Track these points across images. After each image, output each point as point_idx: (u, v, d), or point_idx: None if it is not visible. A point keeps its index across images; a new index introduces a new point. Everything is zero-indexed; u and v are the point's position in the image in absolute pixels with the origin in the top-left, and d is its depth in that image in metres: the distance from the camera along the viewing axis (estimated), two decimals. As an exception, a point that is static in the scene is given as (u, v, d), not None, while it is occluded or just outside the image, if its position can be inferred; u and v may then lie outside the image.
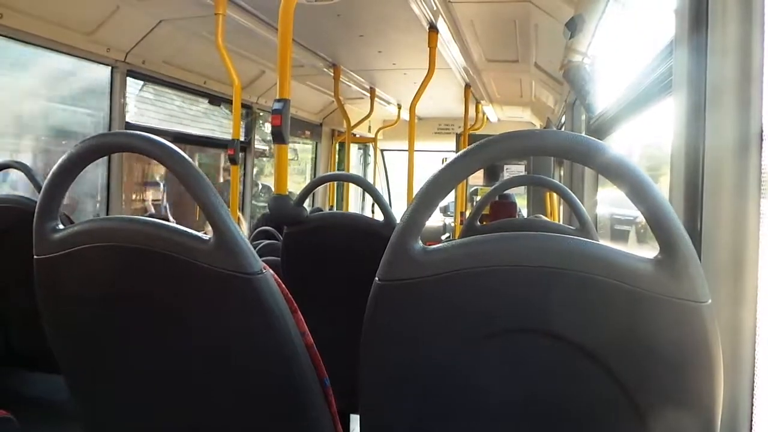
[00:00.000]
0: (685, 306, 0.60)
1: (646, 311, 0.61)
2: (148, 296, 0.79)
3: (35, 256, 0.83)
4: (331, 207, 6.00)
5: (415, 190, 3.45)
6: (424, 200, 0.67)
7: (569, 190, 1.95)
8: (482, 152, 0.66)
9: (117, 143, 0.84)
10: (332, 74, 4.32)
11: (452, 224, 5.93)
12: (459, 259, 0.66)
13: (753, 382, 0.90)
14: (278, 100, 1.95)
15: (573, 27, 2.16)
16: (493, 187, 2.19)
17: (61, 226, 0.83)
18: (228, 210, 0.77)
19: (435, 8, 2.83)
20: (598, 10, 2.06)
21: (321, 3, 2.63)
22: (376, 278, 0.68)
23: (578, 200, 1.91)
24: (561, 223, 3.67)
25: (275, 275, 0.79)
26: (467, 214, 4.90)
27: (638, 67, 1.87)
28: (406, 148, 3.73)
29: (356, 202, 7.20)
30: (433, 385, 0.69)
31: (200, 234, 0.78)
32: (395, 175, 7.68)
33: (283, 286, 0.79)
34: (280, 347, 0.77)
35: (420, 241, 0.68)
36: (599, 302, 0.62)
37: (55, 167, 0.81)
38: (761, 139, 0.90)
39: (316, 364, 0.81)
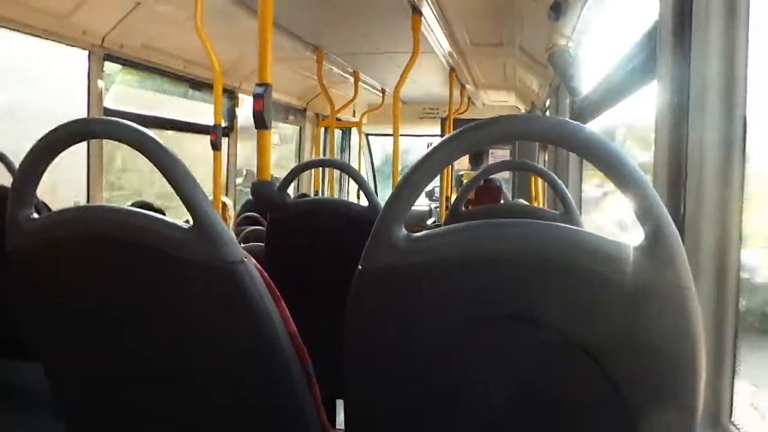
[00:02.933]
0: (669, 292, 0.60)
1: (630, 298, 0.61)
2: (128, 286, 0.78)
3: (8, 246, 0.81)
4: (316, 192, 5.98)
5: (400, 174, 3.45)
6: (408, 187, 0.66)
7: (554, 175, 1.96)
8: (466, 138, 0.65)
9: (92, 130, 0.82)
10: (315, 58, 4.27)
11: (437, 209, 5.94)
12: (442, 246, 0.65)
13: (734, 369, 0.92)
14: (259, 85, 1.93)
15: (557, 10, 2.15)
16: (478, 171, 2.19)
17: (35, 215, 0.81)
18: (208, 198, 0.76)
19: (418, -10, 2.80)
20: (582, -7, 2.05)
21: (302, -15, 2.58)
22: (359, 265, 0.68)
23: (563, 184, 1.91)
24: (546, 207, 3.70)
25: (257, 263, 0.78)
26: (453, 198, 4.91)
27: (622, 50, 1.87)
28: (391, 133, 3.72)
29: (343, 187, 7.18)
30: (417, 372, 0.69)
31: (180, 222, 0.77)
32: (378, 158, 7.67)
33: (266, 274, 0.78)
34: (262, 335, 0.77)
35: (403, 229, 0.67)
36: (584, 289, 0.62)
37: (28, 152, 0.79)
38: (744, 126, 0.91)
39: (299, 351, 0.81)
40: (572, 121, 0.64)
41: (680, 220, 0.95)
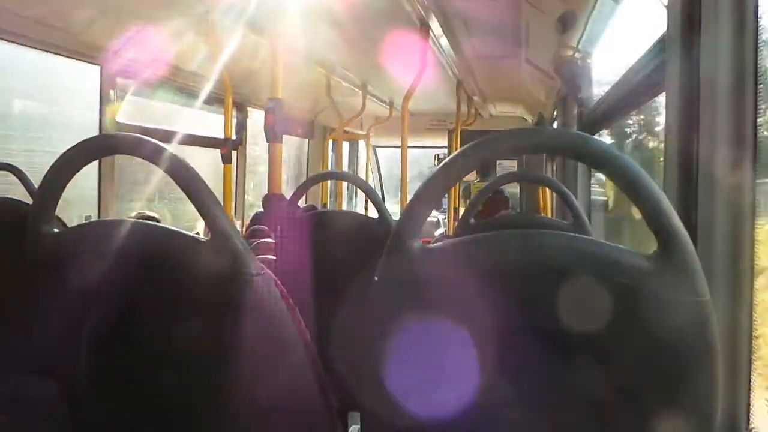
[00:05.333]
0: (685, 302, 0.60)
1: (648, 308, 0.61)
2: (145, 298, 0.79)
3: (29, 259, 0.82)
4: (324, 205, 5.99)
5: (407, 186, 3.46)
6: (423, 199, 0.67)
7: (562, 185, 1.96)
8: (479, 152, 0.66)
9: (113, 145, 0.83)
10: (323, 72, 4.30)
11: (446, 220, 5.94)
12: (459, 257, 0.66)
13: (750, 377, 0.91)
14: (271, 99, 1.96)
15: (565, 22, 2.17)
16: (486, 182, 2.20)
17: (55, 230, 0.82)
18: (225, 212, 0.77)
19: (426, 4, 2.82)
20: (589, 5, 2.07)
21: None
22: (375, 277, 0.68)
23: (571, 195, 1.91)
24: (554, 217, 3.69)
25: (272, 275, 0.79)
26: (461, 209, 4.90)
27: (630, 61, 1.87)
28: (399, 145, 3.73)
29: (351, 199, 7.19)
30: (433, 384, 0.69)
31: (197, 235, 0.78)
32: (384, 170, 7.69)
33: (281, 286, 0.79)
34: (278, 346, 0.77)
35: (419, 240, 0.68)
36: (601, 300, 0.63)
37: (50, 168, 0.81)
38: (755, 134, 0.91)
39: (314, 362, 0.81)
40: (582, 132, 0.65)
41: (692, 227, 0.95)
